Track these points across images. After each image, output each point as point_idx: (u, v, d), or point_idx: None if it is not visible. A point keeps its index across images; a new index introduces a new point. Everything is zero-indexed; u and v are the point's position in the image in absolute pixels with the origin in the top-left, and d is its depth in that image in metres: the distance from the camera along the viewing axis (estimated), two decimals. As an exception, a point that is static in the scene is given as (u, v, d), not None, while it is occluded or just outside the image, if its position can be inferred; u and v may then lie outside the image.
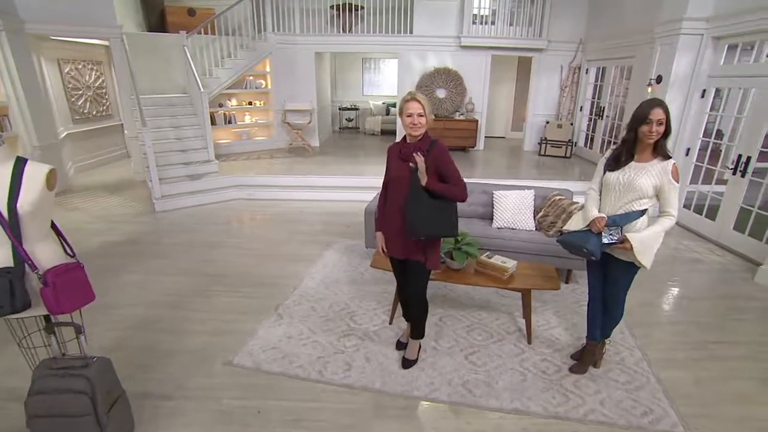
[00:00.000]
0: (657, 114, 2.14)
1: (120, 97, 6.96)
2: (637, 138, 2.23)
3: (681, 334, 3.19)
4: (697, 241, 5.00)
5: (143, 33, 7.59)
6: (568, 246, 2.48)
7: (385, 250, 2.54)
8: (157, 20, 7.92)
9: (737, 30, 4.80)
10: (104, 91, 8.33)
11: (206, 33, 7.44)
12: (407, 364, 2.73)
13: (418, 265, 2.45)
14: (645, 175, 2.21)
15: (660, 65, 5.62)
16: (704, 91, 5.34)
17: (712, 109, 5.42)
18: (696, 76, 5.33)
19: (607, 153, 2.42)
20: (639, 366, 2.78)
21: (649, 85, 5.68)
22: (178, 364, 2.78)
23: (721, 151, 5.36)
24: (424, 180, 2.24)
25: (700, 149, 5.45)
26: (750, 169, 4.58)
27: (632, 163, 2.27)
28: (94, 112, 8.07)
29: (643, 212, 2.28)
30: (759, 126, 4.48)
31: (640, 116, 2.19)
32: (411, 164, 2.25)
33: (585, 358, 2.71)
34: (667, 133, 2.18)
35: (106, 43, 6.73)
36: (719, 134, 5.72)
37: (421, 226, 2.27)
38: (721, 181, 5.13)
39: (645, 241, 2.23)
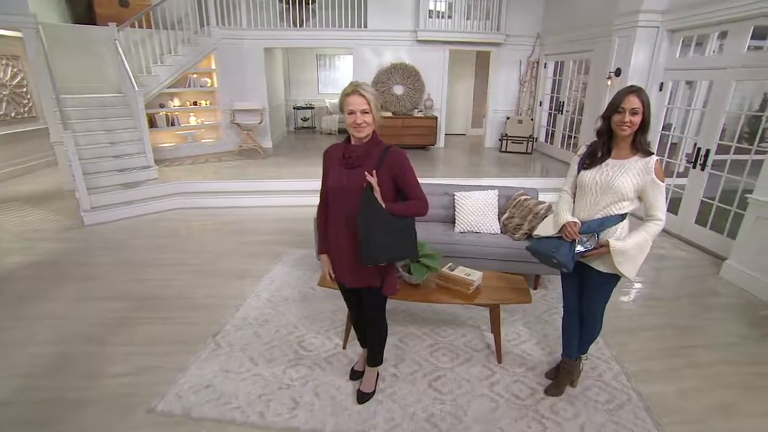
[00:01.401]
0: (631, 102, 1.87)
1: (41, 96, 6.17)
2: (612, 130, 1.97)
3: (656, 340, 3.00)
4: (662, 236, 4.91)
5: (67, 25, 6.80)
6: (537, 254, 2.19)
7: (332, 275, 2.16)
8: (84, 11, 7.13)
9: (690, 23, 4.75)
10: (24, 90, 7.44)
11: (141, 26, 6.79)
12: (363, 397, 2.37)
13: (373, 291, 2.09)
14: (625, 174, 1.94)
15: (618, 58, 5.53)
16: (662, 84, 5.29)
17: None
18: (653, 69, 5.27)
19: (581, 149, 2.14)
20: (618, 381, 2.55)
21: (609, 78, 5.58)
22: (88, 417, 2.28)
23: (674, 144, 5.35)
24: (383, 202, 1.88)
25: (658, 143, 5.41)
26: (709, 162, 4.52)
27: (609, 160, 2.00)
28: (13, 114, 7.20)
29: (623, 217, 2.01)
30: (717, 119, 4.43)
31: (613, 104, 1.92)
32: (365, 184, 1.87)
33: (561, 378, 2.43)
34: (644, 125, 1.92)
35: (19, 34, 5.95)
36: (668, 127, 5.73)
37: (379, 251, 1.89)
38: (681, 174, 5.10)
39: (628, 252, 1.96)
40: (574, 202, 2.16)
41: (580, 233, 2.02)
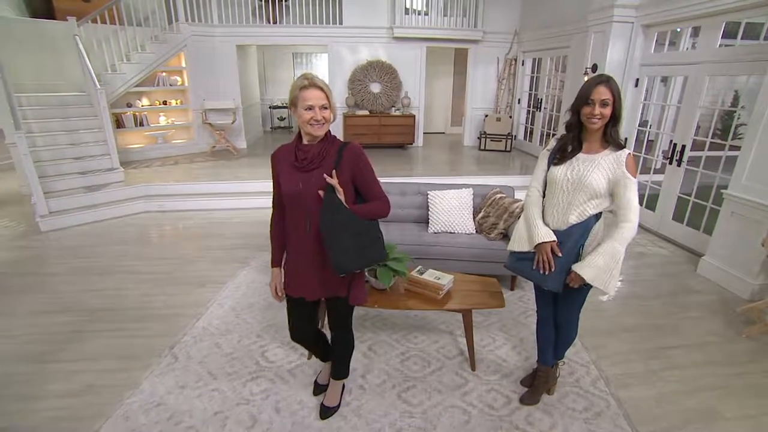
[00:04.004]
0: (600, 93, 1.74)
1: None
2: (582, 123, 1.84)
3: (636, 341, 2.90)
4: (640, 233, 4.86)
5: (23, 18, 6.43)
6: (520, 274, 2.07)
7: (280, 292, 1.95)
8: (42, 5, 6.76)
9: (664, 18, 4.72)
10: (-21, 89, 7.03)
11: (105, 22, 6.48)
12: (326, 412, 2.19)
13: (340, 301, 1.92)
14: (596, 170, 1.81)
15: (594, 54, 5.49)
16: (637, 80, 5.25)
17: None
18: (629, 65, 5.23)
19: (551, 143, 2.00)
20: (596, 386, 2.43)
21: (585, 74, 5.53)
22: (18, 445, 2.07)
23: (651, 141, 5.33)
24: (345, 202, 1.72)
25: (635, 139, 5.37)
26: (685, 158, 4.49)
27: (580, 155, 1.87)
28: (-33, 115, 6.79)
29: (598, 216, 1.89)
30: (692, 114, 4.39)
31: (582, 96, 1.79)
32: (326, 185, 1.70)
33: (537, 386, 2.30)
34: (615, 116, 1.80)
35: (-31, 30, 5.61)
36: (645, 124, 5.72)
37: (351, 258, 1.74)
38: (658, 171, 5.07)
39: (602, 269, 1.80)
40: (543, 200, 2.03)
41: (564, 252, 1.88)
